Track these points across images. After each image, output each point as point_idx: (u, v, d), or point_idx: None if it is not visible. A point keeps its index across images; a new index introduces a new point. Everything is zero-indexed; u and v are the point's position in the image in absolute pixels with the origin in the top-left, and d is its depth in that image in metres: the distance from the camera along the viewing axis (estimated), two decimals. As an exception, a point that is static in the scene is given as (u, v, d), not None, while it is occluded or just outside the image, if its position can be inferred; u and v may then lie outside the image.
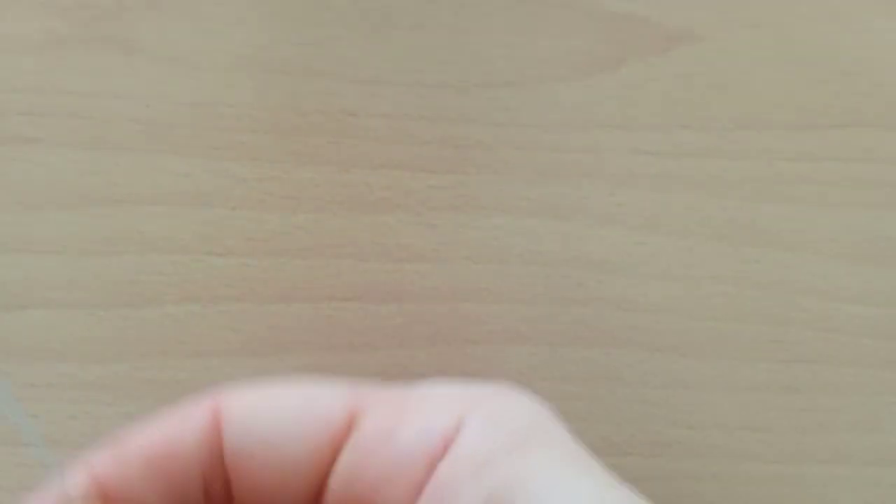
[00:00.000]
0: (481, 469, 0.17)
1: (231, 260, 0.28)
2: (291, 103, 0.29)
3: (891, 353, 0.29)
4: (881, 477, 0.29)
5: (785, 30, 0.30)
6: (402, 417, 0.19)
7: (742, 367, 0.28)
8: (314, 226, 0.28)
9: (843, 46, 0.30)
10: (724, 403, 0.28)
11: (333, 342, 0.28)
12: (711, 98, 0.30)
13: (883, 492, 0.29)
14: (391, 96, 0.29)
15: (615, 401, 0.28)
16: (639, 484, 0.28)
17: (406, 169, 0.29)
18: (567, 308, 0.28)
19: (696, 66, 0.30)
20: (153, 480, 0.19)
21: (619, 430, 0.28)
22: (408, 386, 0.21)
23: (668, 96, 0.30)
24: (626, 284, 0.29)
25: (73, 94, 0.28)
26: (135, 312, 0.27)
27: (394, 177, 0.29)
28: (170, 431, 0.19)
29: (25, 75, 0.28)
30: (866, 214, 0.29)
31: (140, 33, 0.29)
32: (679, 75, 0.30)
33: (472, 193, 0.29)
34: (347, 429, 0.19)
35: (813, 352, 0.29)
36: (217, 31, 0.29)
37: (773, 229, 0.29)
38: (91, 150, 0.28)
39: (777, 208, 0.29)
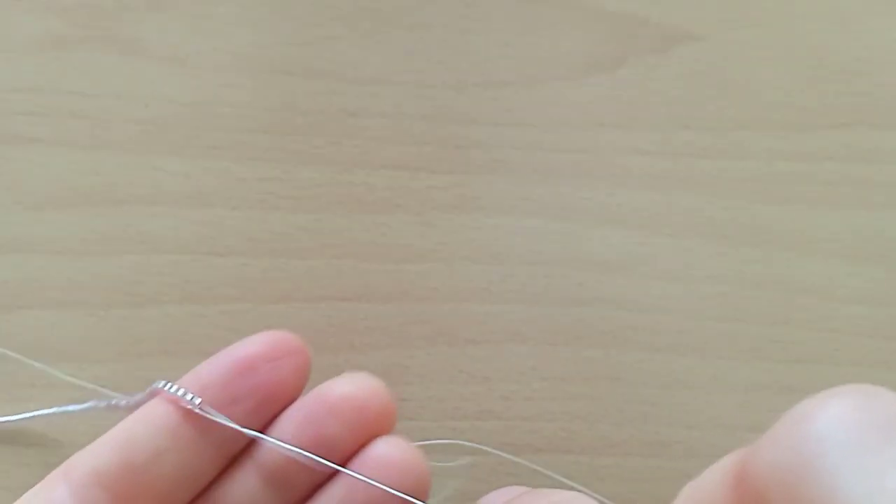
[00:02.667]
0: None
1: (231, 260, 0.28)
2: (291, 103, 0.29)
3: (891, 353, 0.29)
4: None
5: (785, 30, 0.30)
6: None
7: (742, 367, 0.28)
8: (314, 226, 0.28)
9: (843, 46, 0.30)
10: (724, 403, 0.28)
11: (333, 342, 0.28)
12: (711, 98, 0.30)
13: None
14: (391, 96, 0.29)
15: (615, 401, 0.28)
16: (639, 484, 0.28)
17: (406, 169, 0.29)
18: (567, 308, 0.28)
19: (695, 66, 0.30)
20: None
21: (619, 430, 0.28)
22: None
23: (667, 96, 0.30)
24: (626, 284, 0.29)
25: (73, 94, 0.28)
26: (135, 312, 0.27)
27: (394, 177, 0.29)
28: None
29: (25, 75, 0.28)
30: (866, 214, 0.29)
31: (140, 33, 0.29)
32: (679, 75, 0.30)
33: (472, 193, 0.29)
34: None
35: (813, 352, 0.29)
36: (217, 31, 0.29)
37: (773, 229, 0.29)
38: (91, 150, 0.28)
39: (777, 208, 0.29)
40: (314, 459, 0.21)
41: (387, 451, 0.21)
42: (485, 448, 0.25)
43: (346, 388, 0.21)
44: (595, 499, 0.18)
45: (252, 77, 0.29)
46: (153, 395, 0.21)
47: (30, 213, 0.28)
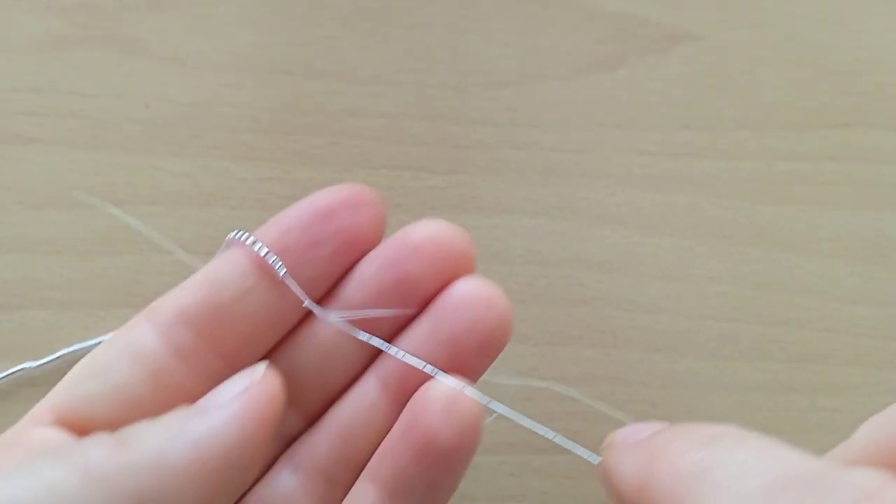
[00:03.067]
0: None
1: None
2: (291, 103, 0.29)
3: (891, 353, 0.29)
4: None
5: (785, 30, 0.30)
6: None
7: (742, 367, 0.28)
8: (314, 226, 0.28)
9: (843, 46, 0.30)
10: (724, 403, 0.28)
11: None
12: (711, 98, 0.30)
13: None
14: (391, 96, 0.29)
15: (615, 401, 0.28)
16: (639, 484, 0.28)
17: (406, 169, 0.29)
18: (567, 308, 0.28)
19: (695, 66, 0.30)
20: None
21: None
22: None
23: (668, 96, 0.30)
24: (626, 284, 0.29)
25: (73, 94, 0.28)
26: (135, 312, 0.27)
27: (394, 177, 0.29)
28: None
29: (25, 75, 0.28)
30: (866, 214, 0.29)
31: (140, 33, 0.29)
32: (679, 75, 0.30)
33: (472, 193, 0.29)
34: None
35: (813, 352, 0.29)
36: (217, 31, 0.29)
37: (773, 229, 0.29)
38: (91, 150, 0.28)
39: (777, 208, 0.29)
40: (366, 336, 0.21)
41: (470, 288, 0.21)
42: (578, 397, 0.25)
43: (428, 230, 0.21)
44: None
45: (252, 77, 0.29)
46: (230, 246, 0.21)
47: (30, 213, 0.28)
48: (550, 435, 0.21)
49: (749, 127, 0.30)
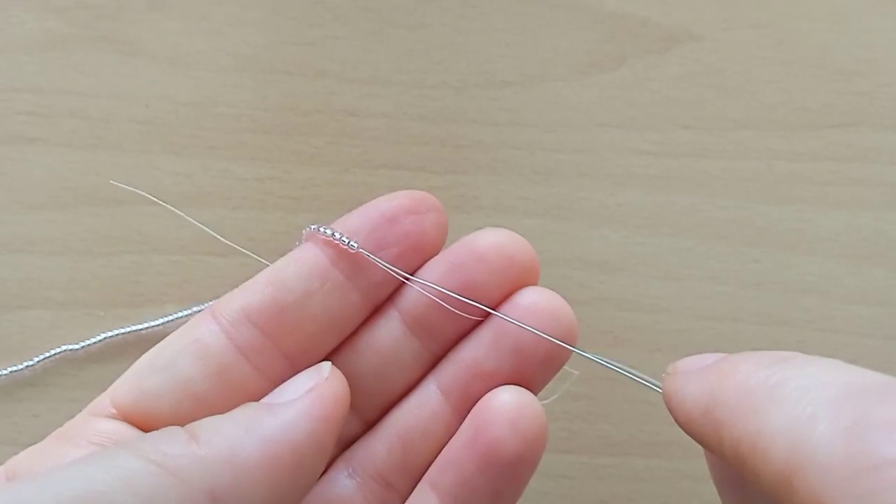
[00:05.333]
0: None
1: (231, 260, 0.28)
2: (291, 103, 0.29)
3: (891, 353, 0.29)
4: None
5: (785, 30, 0.30)
6: None
7: (742, 367, 0.28)
8: (314, 226, 0.28)
9: (843, 46, 0.30)
10: (724, 403, 0.28)
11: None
12: (711, 98, 0.30)
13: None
14: (391, 96, 0.29)
15: (615, 401, 0.28)
16: (639, 484, 0.28)
17: (406, 169, 0.29)
18: (567, 308, 0.28)
19: (695, 66, 0.30)
20: None
21: (619, 430, 0.28)
22: None
23: (668, 96, 0.30)
24: (626, 284, 0.29)
25: (73, 94, 0.28)
26: (135, 312, 0.27)
27: (394, 177, 0.29)
28: None
29: (25, 75, 0.28)
30: (866, 214, 0.29)
31: (140, 33, 0.29)
32: (678, 75, 0.30)
33: (472, 193, 0.29)
34: None
35: (813, 352, 0.28)
36: (217, 31, 0.29)
37: (773, 229, 0.29)
38: (91, 150, 0.28)
39: (777, 208, 0.29)
40: (462, 300, 0.21)
41: (536, 298, 0.21)
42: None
43: (494, 238, 0.21)
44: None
45: (252, 77, 0.29)
46: (308, 238, 0.21)
47: (30, 213, 0.28)
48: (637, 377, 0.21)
49: (749, 127, 0.30)
